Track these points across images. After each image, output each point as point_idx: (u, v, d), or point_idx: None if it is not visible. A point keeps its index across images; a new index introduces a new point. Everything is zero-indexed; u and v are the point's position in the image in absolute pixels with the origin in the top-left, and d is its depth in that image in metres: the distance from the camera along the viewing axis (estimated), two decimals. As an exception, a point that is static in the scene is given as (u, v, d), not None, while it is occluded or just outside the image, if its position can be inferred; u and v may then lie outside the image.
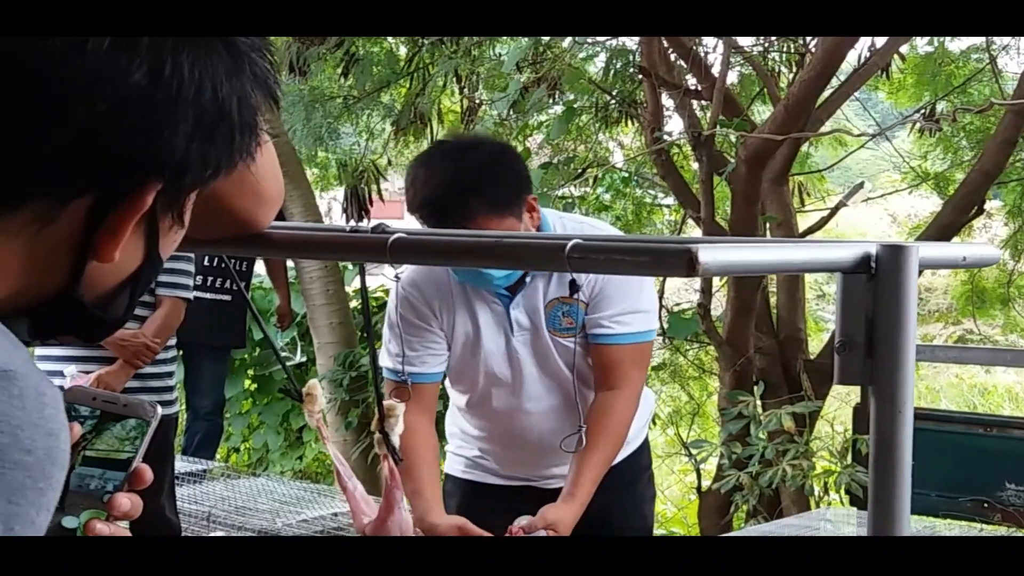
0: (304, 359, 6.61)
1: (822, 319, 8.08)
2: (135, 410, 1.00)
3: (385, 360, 2.67)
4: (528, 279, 2.55)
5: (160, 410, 1.02)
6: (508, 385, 2.67)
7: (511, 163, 2.51)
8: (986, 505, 4.66)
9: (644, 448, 2.91)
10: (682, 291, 8.41)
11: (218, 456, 6.32)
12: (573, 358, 2.55)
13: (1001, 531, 4.32)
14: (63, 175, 0.82)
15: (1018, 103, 4.78)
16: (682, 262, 0.98)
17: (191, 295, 4.09)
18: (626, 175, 6.86)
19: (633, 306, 2.60)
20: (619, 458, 2.73)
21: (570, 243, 1.02)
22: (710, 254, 0.98)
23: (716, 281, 5.87)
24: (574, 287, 1.65)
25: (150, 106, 0.82)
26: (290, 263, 6.05)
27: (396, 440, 2.08)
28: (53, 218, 0.83)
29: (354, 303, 6.46)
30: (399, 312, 2.62)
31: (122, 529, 0.99)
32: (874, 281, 1.13)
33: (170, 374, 4.03)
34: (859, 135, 5.10)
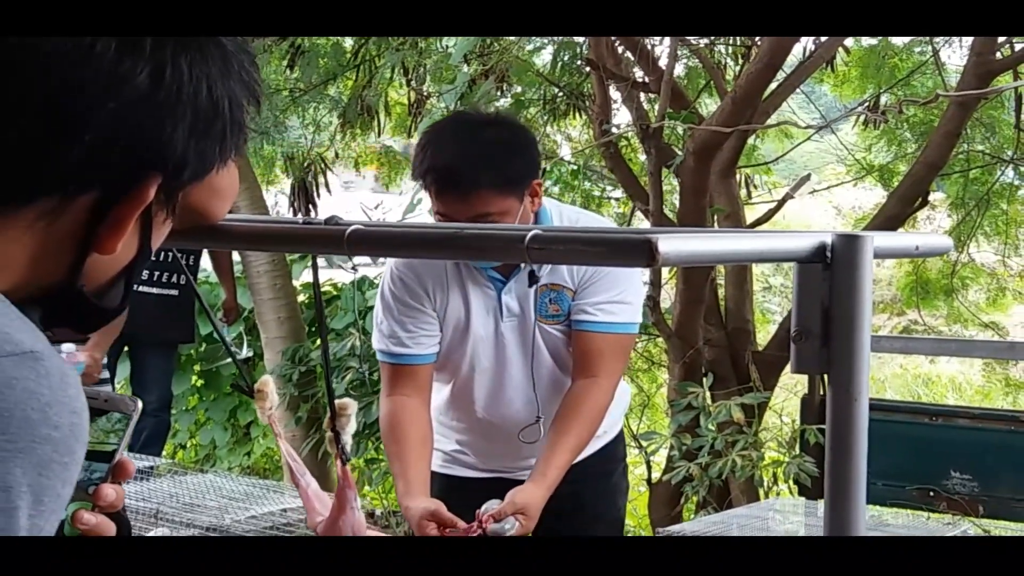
0: (251, 354, 6.56)
1: (769, 311, 8.15)
2: (116, 404, 1.05)
3: (378, 342, 2.65)
4: (523, 265, 2.51)
5: (140, 404, 1.05)
6: (492, 371, 2.65)
7: (526, 144, 2.50)
8: (932, 494, 4.72)
9: (619, 440, 2.91)
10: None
11: (165, 453, 6.26)
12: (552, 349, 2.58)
13: (946, 519, 4.37)
14: (75, 173, 0.87)
15: (962, 95, 4.84)
16: (642, 252, 0.98)
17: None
18: (575, 168, 6.86)
19: (620, 296, 2.59)
20: (594, 448, 2.74)
21: (529, 234, 1.02)
22: (669, 244, 0.98)
23: (665, 273, 5.90)
24: (533, 278, 1.64)
25: (154, 106, 0.88)
26: (236, 257, 6.00)
27: (348, 439, 2.07)
28: (60, 213, 0.88)
29: (302, 297, 6.42)
30: (392, 292, 2.60)
31: (106, 520, 1.02)
32: (830, 270, 1.14)
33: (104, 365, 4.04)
34: (805, 127, 5.14)
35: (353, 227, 1.08)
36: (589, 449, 2.71)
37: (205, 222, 1.16)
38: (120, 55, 0.86)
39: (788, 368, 5.60)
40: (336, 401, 1.94)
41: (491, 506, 2.46)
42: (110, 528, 1.04)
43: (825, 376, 1.15)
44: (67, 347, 4.04)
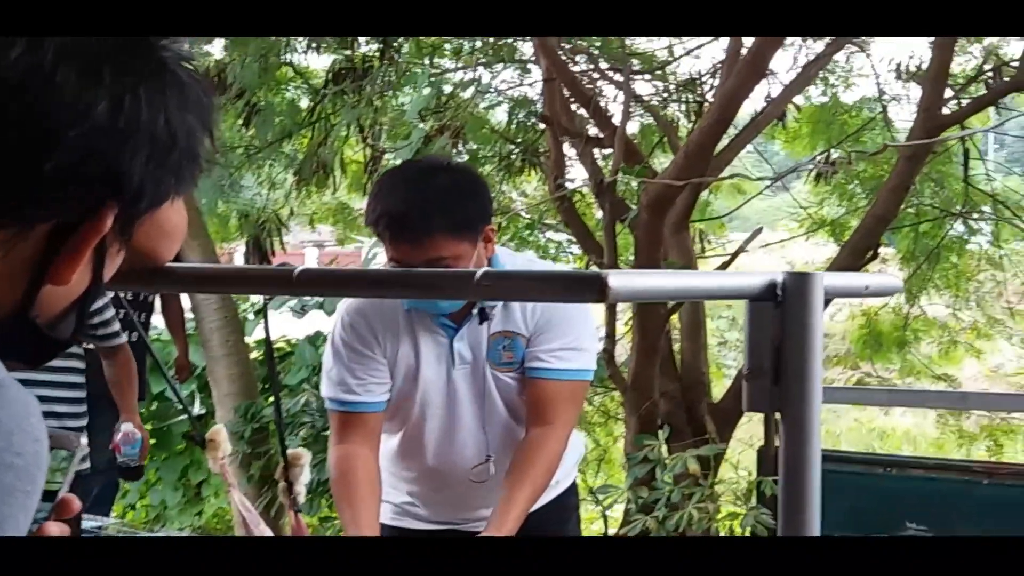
0: (203, 412, 6.49)
1: (724, 365, 8.18)
2: (60, 441, 1.02)
3: (327, 389, 2.61)
4: (474, 311, 2.50)
5: (85, 440, 1.03)
6: (443, 419, 2.62)
7: (478, 190, 2.50)
8: (887, 544, 4.73)
9: (572, 490, 2.89)
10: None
11: (114, 513, 6.16)
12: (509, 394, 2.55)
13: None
14: (34, 201, 0.87)
15: (910, 144, 4.91)
16: (593, 288, 0.98)
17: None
18: (529, 222, 6.89)
19: (574, 343, 2.58)
20: (548, 498, 2.71)
21: (480, 271, 1.02)
22: (620, 280, 0.98)
23: (620, 327, 5.91)
24: (483, 315, 1.63)
25: (113, 135, 0.89)
26: (188, 314, 5.95)
27: (301, 489, 2.04)
28: (17, 242, 0.88)
29: (255, 354, 6.37)
30: (343, 338, 2.57)
31: None
32: (781, 308, 1.14)
33: (82, 385, 4.03)
34: (757, 179, 5.19)
35: (302, 268, 1.07)
36: (544, 499, 2.68)
37: (153, 263, 1.15)
38: (81, 85, 0.87)
39: (744, 419, 5.63)
40: (289, 451, 1.91)
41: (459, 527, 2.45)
42: None
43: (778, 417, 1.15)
44: (126, 427, 4.24)
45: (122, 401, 4.30)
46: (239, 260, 8.26)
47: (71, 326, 0.98)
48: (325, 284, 1.09)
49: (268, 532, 2.17)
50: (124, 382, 4.26)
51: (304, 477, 2.03)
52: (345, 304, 2.58)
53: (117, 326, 4.15)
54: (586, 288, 0.98)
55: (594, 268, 6.09)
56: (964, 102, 5.80)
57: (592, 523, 7.22)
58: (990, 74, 5.87)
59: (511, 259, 2.63)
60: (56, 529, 1.00)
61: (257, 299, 6.24)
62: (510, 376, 2.59)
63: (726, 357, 9.66)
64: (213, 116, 1.00)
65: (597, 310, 7.01)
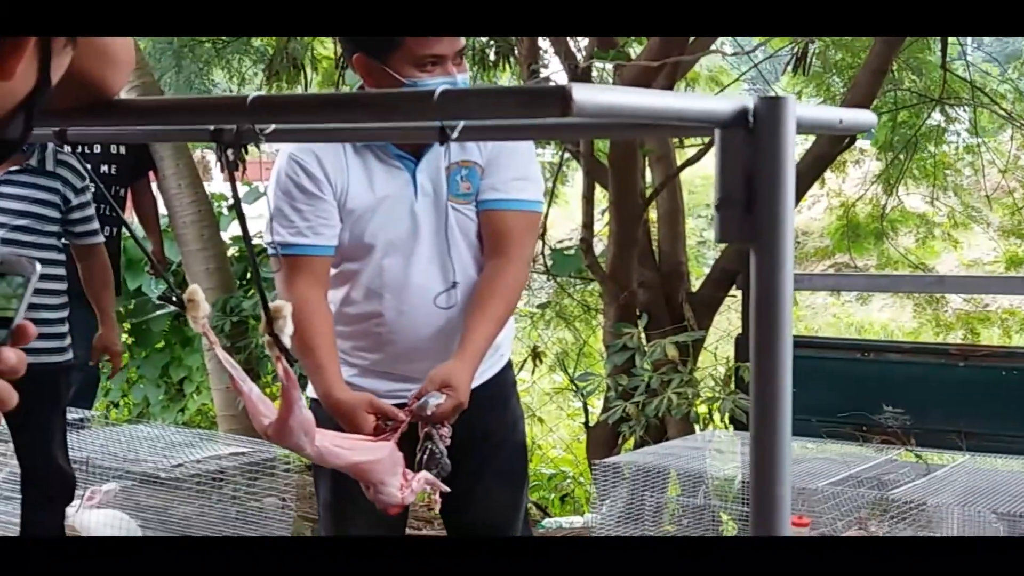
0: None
1: (702, 255, 8.19)
2: (14, 267, 0.98)
3: (273, 233, 2.54)
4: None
5: (38, 266, 0.99)
6: (403, 254, 2.59)
7: None
8: (865, 428, 4.78)
9: (510, 366, 2.89)
10: (564, 231, 8.43)
11: (96, 411, 6.16)
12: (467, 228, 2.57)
13: (879, 448, 4.42)
14: None
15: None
16: (557, 101, 0.94)
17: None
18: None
19: (525, 173, 2.60)
20: (492, 372, 2.72)
21: (439, 88, 0.98)
22: (584, 93, 0.95)
23: (598, 218, 5.88)
24: (443, 135, 1.58)
25: None
26: (162, 209, 5.88)
27: (287, 341, 2.02)
28: None
29: (232, 251, 6.33)
30: (289, 176, 2.51)
31: (6, 384, 0.96)
32: (753, 135, 1.11)
33: (63, 320, 3.92)
34: (733, 54, 5.13)
35: (255, 94, 1.04)
36: (488, 372, 2.68)
37: (101, 94, 1.12)
38: None
39: (722, 308, 5.64)
40: (271, 304, 1.87)
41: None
42: (11, 397, 0.98)
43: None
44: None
45: (99, 306, 4.22)
46: (211, 158, 8.17)
47: (20, 127, 0.94)
48: (280, 109, 1.05)
49: (255, 388, 2.13)
50: (100, 286, 4.13)
51: (288, 328, 1.99)
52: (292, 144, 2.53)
53: (96, 223, 4.04)
54: (550, 102, 0.94)
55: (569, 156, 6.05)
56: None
57: (573, 418, 7.29)
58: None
59: None
60: (13, 356, 0.97)
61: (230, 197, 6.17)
62: (468, 209, 2.58)
63: (705, 256, 9.67)
64: None
65: (574, 200, 6.98)
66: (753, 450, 1.10)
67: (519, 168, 2.59)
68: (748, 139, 1.12)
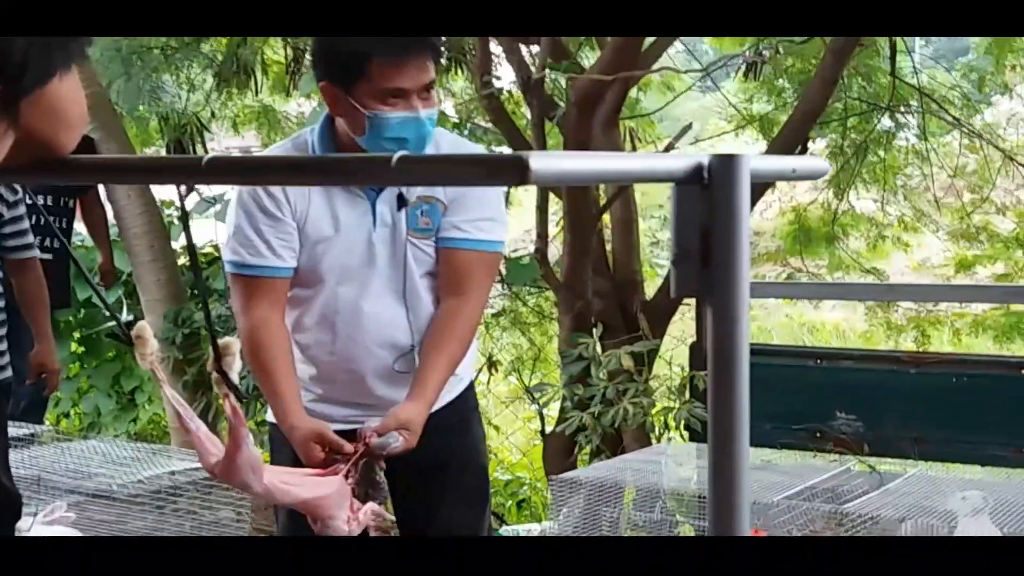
0: (131, 318, 6.39)
1: (657, 265, 8.21)
2: None
3: (232, 253, 2.53)
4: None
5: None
6: (358, 283, 2.57)
7: None
8: (819, 435, 4.82)
9: (471, 388, 2.89)
10: (519, 240, 8.43)
11: (47, 422, 6.09)
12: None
13: (832, 458, 4.46)
14: None
15: (836, 38, 4.89)
16: (515, 170, 0.94)
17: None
18: (457, 122, 6.81)
19: (490, 214, 2.58)
20: (451, 396, 2.71)
21: (396, 155, 0.98)
22: (542, 162, 0.95)
23: (552, 227, 5.89)
24: (402, 201, 1.59)
25: None
26: (112, 219, 5.82)
27: (235, 377, 2.01)
28: None
29: (181, 260, 6.28)
30: (252, 197, 2.48)
31: None
32: (708, 191, 1.12)
33: (1, 338, 3.84)
34: (685, 71, 5.16)
35: (211, 155, 1.03)
36: (447, 396, 2.67)
37: (53, 154, 1.10)
38: None
39: (676, 316, 5.67)
40: (219, 341, 1.87)
41: (371, 424, 2.41)
42: None
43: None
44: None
45: (33, 322, 4.10)
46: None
47: None
48: (236, 172, 1.04)
49: (202, 426, 2.13)
50: (33, 301, 4.03)
51: (237, 365, 2.00)
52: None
53: (30, 238, 3.96)
54: (508, 171, 0.95)
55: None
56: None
57: (529, 421, 7.29)
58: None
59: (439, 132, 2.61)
60: None
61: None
62: (426, 244, 2.56)
63: (659, 257, 9.70)
64: None
65: (528, 207, 6.98)
66: (712, 482, 1.12)
67: (484, 209, 2.57)
68: (704, 195, 1.12)
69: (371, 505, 2.33)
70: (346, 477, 2.31)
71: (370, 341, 2.60)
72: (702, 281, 1.13)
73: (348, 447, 2.39)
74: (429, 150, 2.51)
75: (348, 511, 2.25)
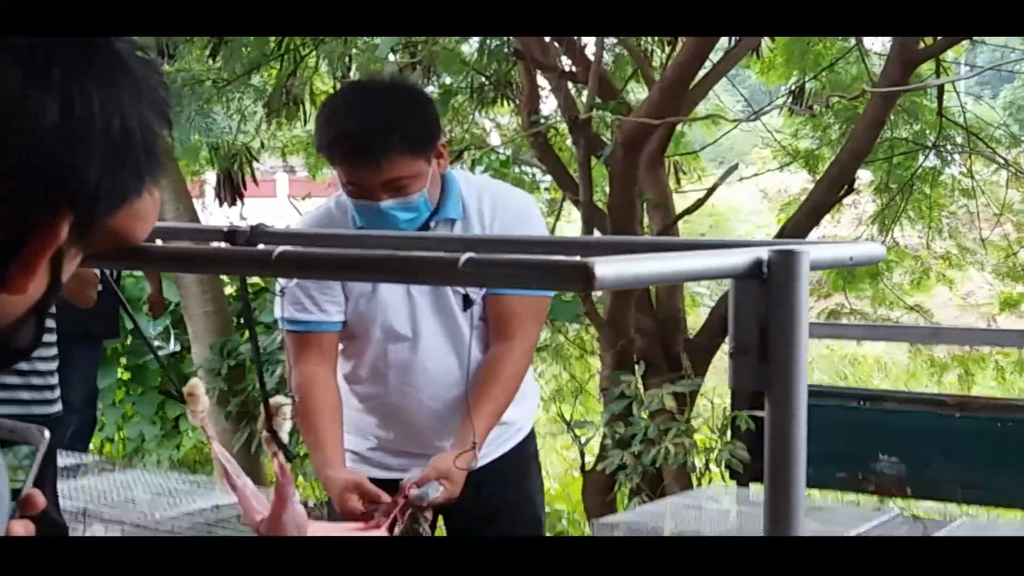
0: (178, 348, 6.47)
1: (698, 295, 8.20)
2: (24, 435, 0.97)
3: (281, 309, 2.57)
4: (433, 224, 2.46)
5: (48, 434, 0.98)
6: (406, 340, 2.59)
7: (427, 105, 2.48)
8: (861, 477, 4.78)
9: (531, 437, 2.87)
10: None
11: (92, 447, 6.16)
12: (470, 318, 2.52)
13: (875, 502, 4.43)
14: None
15: (887, 90, 4.88)
16: (579, 277, 0.96)
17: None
18: (504, 157, 6.85)
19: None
20: (510, 445, 2.71)
21: (464, 256, 1.00)
22: (606, 268, 0.97)
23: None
24: (468, 302, 1.60)
25: (64, 140, 0.83)
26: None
27: (285, 437, 2.03)
28: None
29: (229, 290, 6.35)
30: None
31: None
32: (766, 286, 1.13)
33: (52, 372, 3.88)
34: (733, 120, 5.16)
35: (281, 249, 1.05)
36: (504, 447, 2.68)
37: (127, 245, 1.12)
38: (28, 87, 0.81)
39: (719, 353, 5.65)
40: (271, 400, 1.89)
41: (412, 475, 2.41)
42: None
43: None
44: None
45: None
46: (209, 190, 8.18)
47: (30, 334, 0.93)
48: (303, 266, 1.07)
49: (249, 483, 2.15)
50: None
51: (287, 426, 2.01)
52: (299, 220, 2.54)
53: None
54: (573, 276, 0.97)
55: (569, 204, 6.05)
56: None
57: (567, 451, 7.28)
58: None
59: (464, 179, 2.59)
60: (21, 528, 0.96)
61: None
62: (472, 291, 2.54)
63: (700, 286, 9.69)
64: (169, 107, 0.95)
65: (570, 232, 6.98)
66: None
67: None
68: (762, 290, 1.14)
69: None
70: (390, 529, 2.31)
71: (423, 393, 2.62)
72: (760, 375, 1.15)
73: (386, 497, 2.40)
74: (471, 202, 2.53)
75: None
